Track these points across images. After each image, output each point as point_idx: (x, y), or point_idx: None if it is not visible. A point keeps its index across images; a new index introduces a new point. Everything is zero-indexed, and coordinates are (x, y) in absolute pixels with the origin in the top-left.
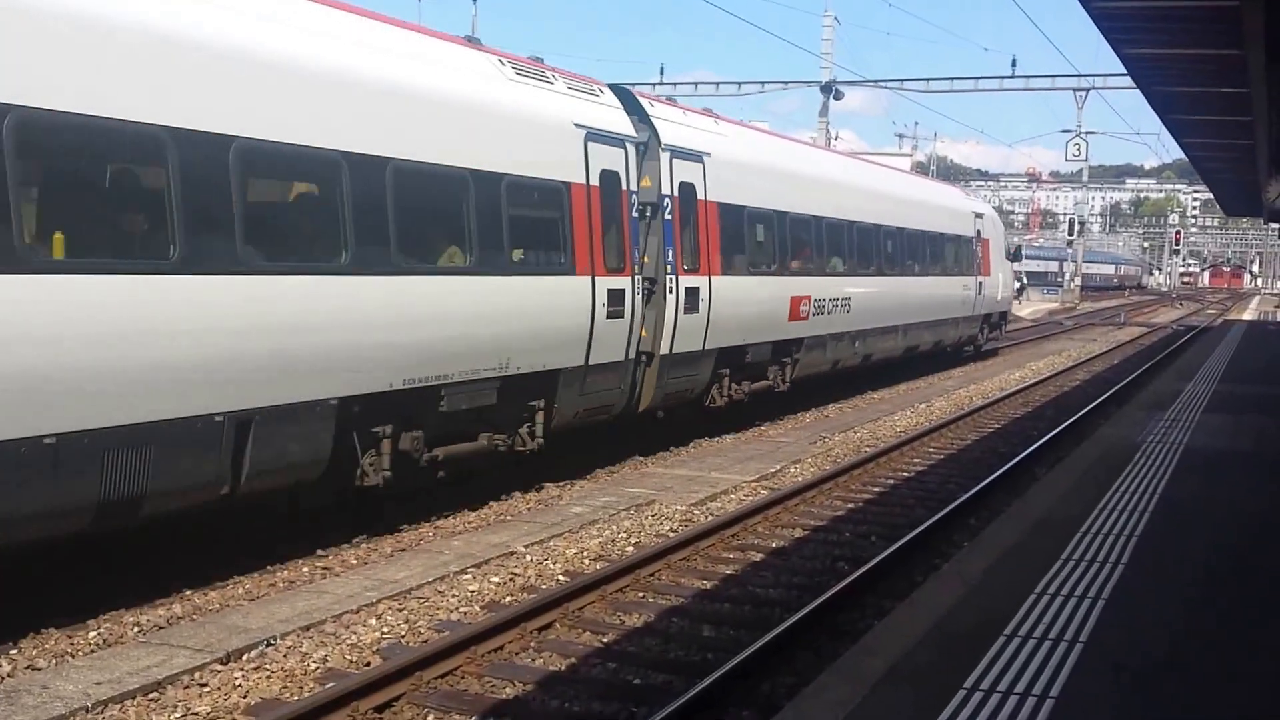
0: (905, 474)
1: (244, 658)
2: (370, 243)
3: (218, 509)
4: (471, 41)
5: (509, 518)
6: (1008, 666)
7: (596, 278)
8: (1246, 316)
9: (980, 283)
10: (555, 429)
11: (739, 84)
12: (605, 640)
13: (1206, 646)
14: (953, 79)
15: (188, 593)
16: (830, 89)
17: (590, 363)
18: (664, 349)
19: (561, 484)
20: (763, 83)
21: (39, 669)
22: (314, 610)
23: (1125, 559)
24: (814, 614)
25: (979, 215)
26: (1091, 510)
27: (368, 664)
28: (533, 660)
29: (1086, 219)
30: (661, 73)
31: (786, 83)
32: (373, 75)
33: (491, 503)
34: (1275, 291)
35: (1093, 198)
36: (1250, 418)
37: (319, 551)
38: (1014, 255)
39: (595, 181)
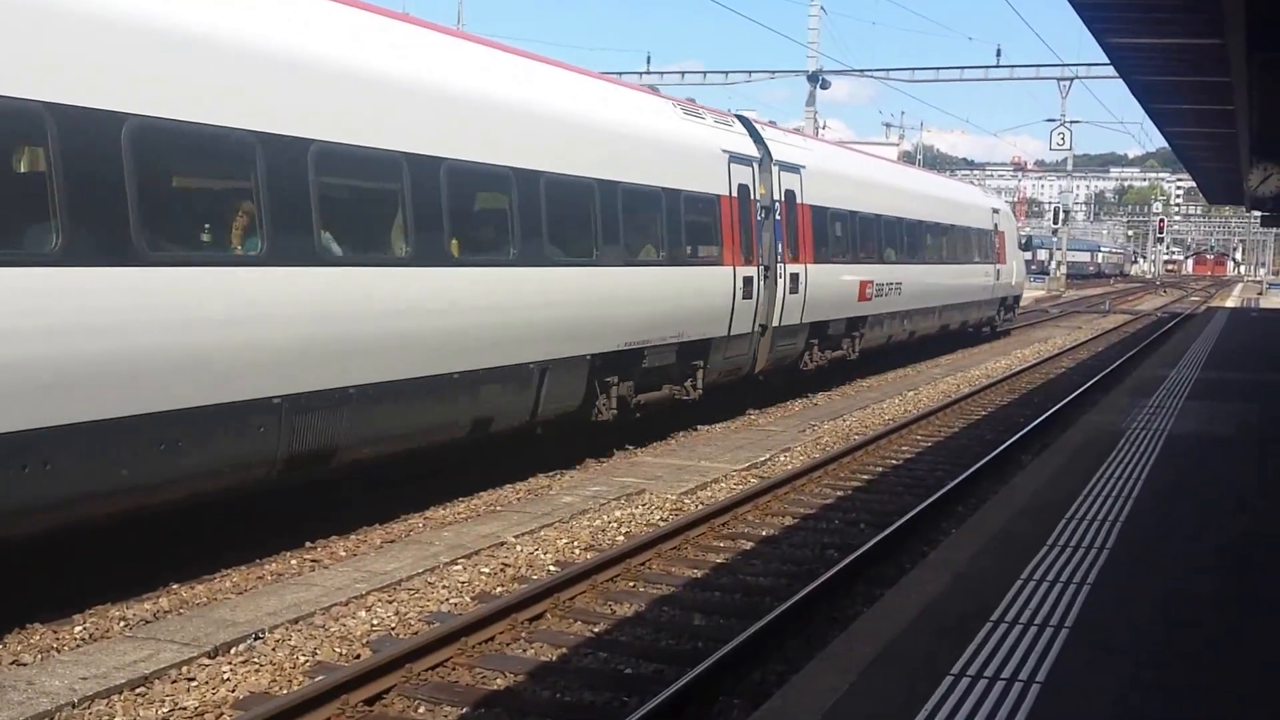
0: (894, 461)
1: (232, 651)
2: (612, 243)
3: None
4: (653, 90)
5: (499, 508)
6: (995, 652)
7: (736, 268)
8: (1230, 303)
9: (998, 270)
10: (707, 384)
11: (726, 73)
12: (596, 630)
13: (1193, 629)
14: (938, 69)
15: (174, 586)
16: (817, 79)
17: (730, 334)
18: (775, 322)
19: (552, 474)
20: (749, 72)
21: (24, 665)
22: (303, 603)
23: (1111, 543)
24: (804, 602)
25: (996, 210)
26: (1077, 496)
27: (357, 656)
28: (524, 651)
29: (1071, 207)
30: (648, 62)
31: (774, 72)
32: (615, 123)
33: (481, 493)
34: (1258, 279)
35: (1077, 186)
36: (1233, 404)
37: (307, 544)
38: (1025, 245)
39: (734, 193)
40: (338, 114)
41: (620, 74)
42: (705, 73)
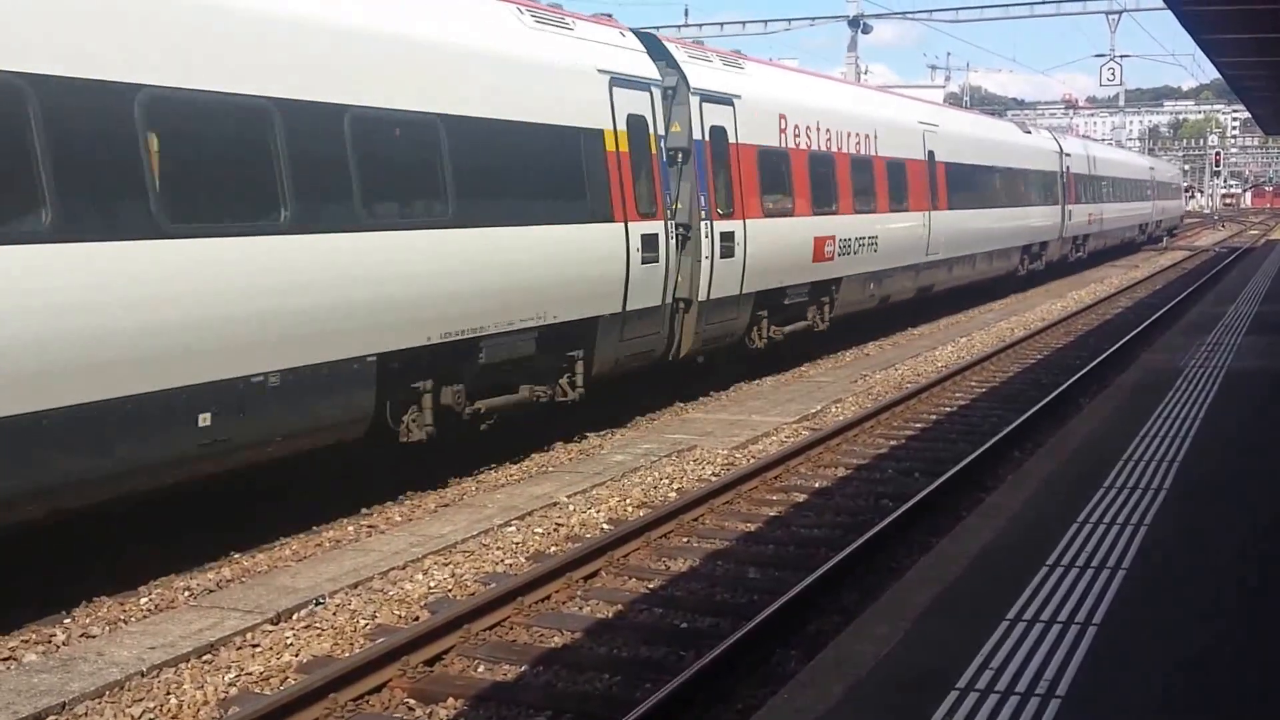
0: (948, 409)
1: (294, 617)
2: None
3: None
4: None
5: (551, 469)
6: (1050, 595)
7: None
8: None
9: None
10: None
11: (765, 22)
12: (651, 586)
13: (1253, 569)
14: (982, 7)
15: (236, 556)
16: (858, 23)
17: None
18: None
19: (603, 433)
20: (789, 19)
21: (93, 636)
22: (361, 568)
23: (1168, 484)
24: (859, 552)
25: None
26: (1134, 437)
27: (416, 619)
28: (580, 609)
29: (1125, 143)
30: (686, 15)
31: (814, 19)
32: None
33: (533, 454)
34: None
35: (1130, 122)
36: None
37: (363, 510)
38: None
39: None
40: None
41: (658, 28)
42: (744, 22)
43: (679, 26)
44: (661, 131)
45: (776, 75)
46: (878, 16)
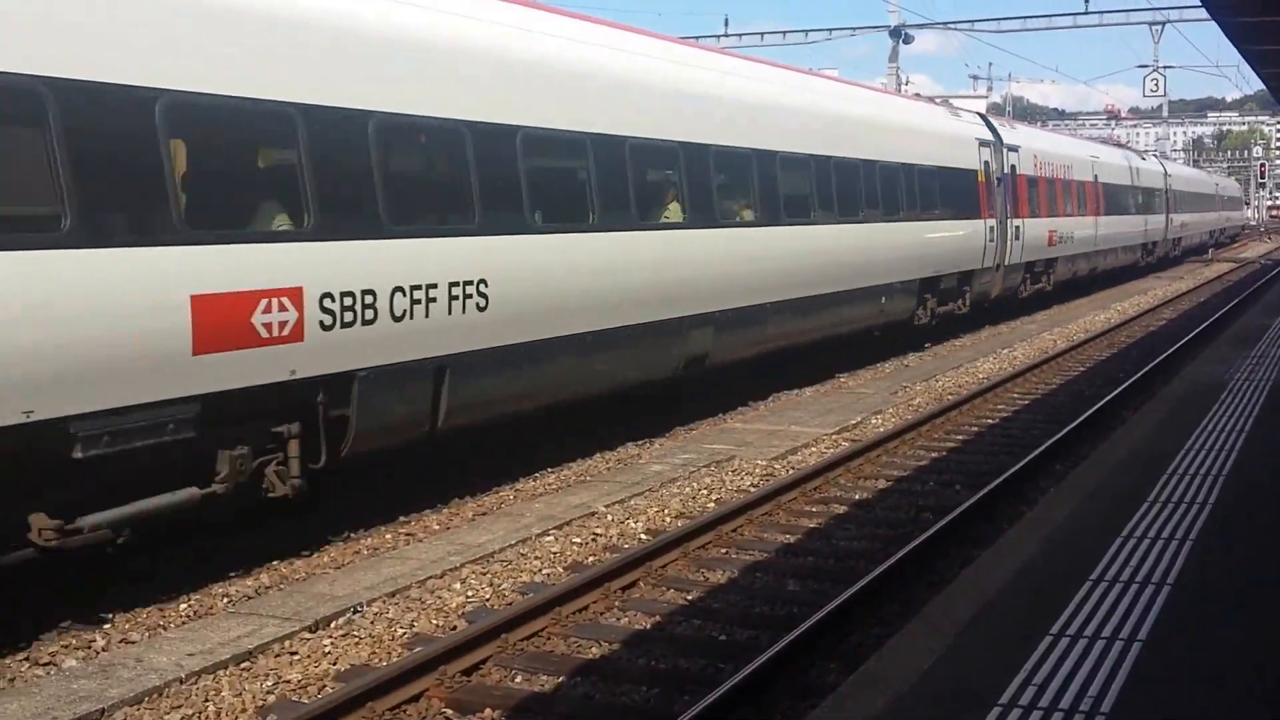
0: (989, 421)
1: (332, 625)
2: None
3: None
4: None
5: (589, 478)
6: (1095, 611)
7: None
8: None
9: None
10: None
11: (806, 32)
12: (689, 597)
13: None
14: (1025, 17)
15: (274, 563)
16: (899, 33)
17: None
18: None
19: (641, 443)
20: (830, 29)
21: (132, 642)
22: (399, 576)
23: (1214, 498)
24: (899, 565)
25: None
26: (1179, 450)
27: (454, 628)
28: (618, 620)
29: (1169, 155)
30: (726, 25)
31: (854, 29)
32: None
33: (571, 464)
34: None
35: (1174, 133)
36: None
37: (401, 518)
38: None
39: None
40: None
41: (698, 38)
42: (785, 32)
43: (719, 36)
44: (994, 169)
45: (1034, 131)
46: (919, 26)
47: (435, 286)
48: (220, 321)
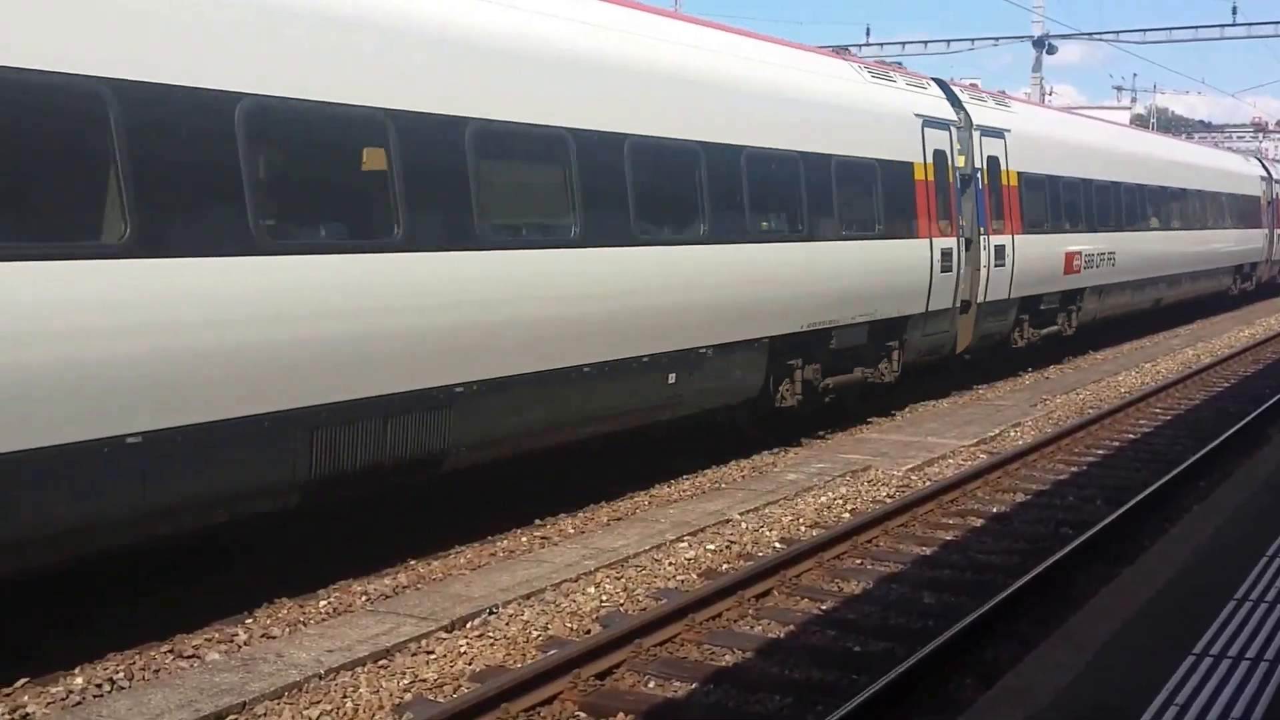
0: (1130, 435)
1: (468, 625)
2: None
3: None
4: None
5: (723, 485)
6: (1239, 631)
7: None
8: None
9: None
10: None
11: (948, 42)
12: (824, 608)
13: None
14: (1171, 29)
15: (412, 563)
16: (1043, 43)
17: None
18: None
19: (775, 451)
20: (972, 39)
21: (274, 637)
22: (534, 579)
23: None
24: (1038, 580)
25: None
26: None
27: (588, 632)
28: (751, 628)
29: None
30: (868, 34)
31: (997, 38)
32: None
33: (705, 471)
34: None
35: None
36: None
37: (536, 521)
38: None
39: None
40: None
41: (840, 48)
42: (926, 42)
43: (860, 45)
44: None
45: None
46: (1063, 37)
47: None
48: None
